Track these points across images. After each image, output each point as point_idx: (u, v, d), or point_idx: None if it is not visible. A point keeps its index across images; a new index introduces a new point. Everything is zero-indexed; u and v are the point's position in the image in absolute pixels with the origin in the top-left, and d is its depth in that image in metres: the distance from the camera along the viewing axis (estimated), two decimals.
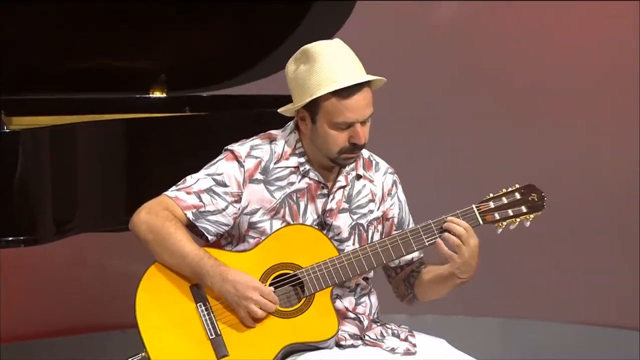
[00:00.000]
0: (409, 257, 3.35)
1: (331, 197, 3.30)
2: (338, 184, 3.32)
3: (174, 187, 3.29)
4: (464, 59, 5.44)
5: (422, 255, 3.40)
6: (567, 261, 5.46)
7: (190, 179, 3.29)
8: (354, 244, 3.32)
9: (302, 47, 3.25)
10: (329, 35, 4.37)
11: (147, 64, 4.54)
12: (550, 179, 5.23)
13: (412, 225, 3.39)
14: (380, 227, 3.38)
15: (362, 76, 3.20)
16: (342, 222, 3.31)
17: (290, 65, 3.27)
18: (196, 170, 3.32)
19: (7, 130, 3.66)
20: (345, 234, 3.31)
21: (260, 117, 4.20)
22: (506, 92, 5.44)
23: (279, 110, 3.31)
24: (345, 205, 3.32)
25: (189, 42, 4.53)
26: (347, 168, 3.33)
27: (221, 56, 4.58)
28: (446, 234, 3.23)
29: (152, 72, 4.54)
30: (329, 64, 3.19)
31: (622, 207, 5.35)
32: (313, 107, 3.22)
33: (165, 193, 3.28)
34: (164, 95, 4.58)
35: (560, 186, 5.26)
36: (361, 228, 3.34)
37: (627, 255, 5.34)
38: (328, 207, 3.30)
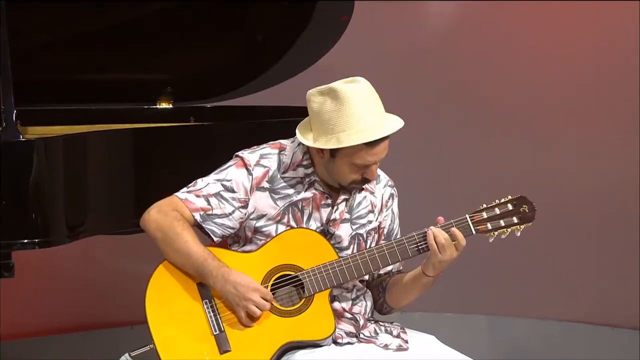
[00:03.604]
0: (389, 267, 3.43)
1: (335, 207, 3.39)
2: (342, 196, 3.40)
3: (184, 189, 3.38)
4: (456, 66, 5.43)
5: (401, 267, 3.48)
6: (555, 259, 5.47)
7: (200, 182, 3.38)
8: (352, 252, 3.39)
9: (330, 85, 3.26)
10: (326, 48, 4.53)
11: (154, 76, 4.62)
12: (541, 180, 5.29)
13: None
14: (377, 236, 3.47)
15: (389, 127, 3.25)
16: (344, 231, 3.40)
17: (315, 97, 3.29)
18: (200, 176, 3.40)
19: (22, 140, 3.66)
20: (345, 243, 3.40)
21: (261, 126, 4.28)
22: (502, 100, 5.44)
23: (298, 138, 3.33)
24: (347, 216, 3.41)
25: (193, 56, 4.61)
26: None
27: (224, 69, 4.65)
28: (436, 231, 3.29)
29: (159, 84, 4.61)
30: (357, 112, 3.22)
31: (617, 206, 5.35)
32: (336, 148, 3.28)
33: (176, 194, 3.36)
34: (170, 106, 4.65)
35: (552, 185, 5.34)
36: (360, 238, 3.42)
37: (624, 254, 5.34)
38: (332, 217, 3.38)
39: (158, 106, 4.65)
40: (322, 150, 3.31)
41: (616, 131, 5.35)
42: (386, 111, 3.35)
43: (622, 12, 5.19)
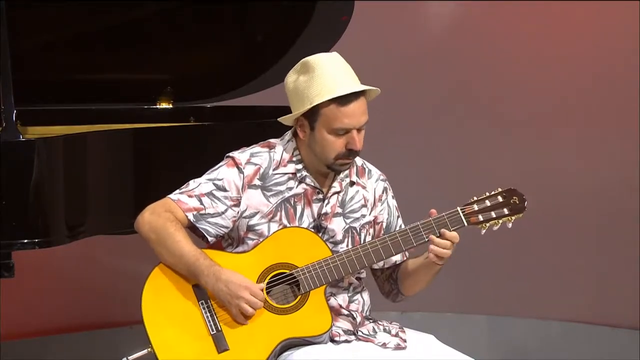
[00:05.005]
0: (393, 259, 3.44)
1: (326, 201, 3.40)
2: (333, 190, 3.41)
3: (177, 191, 3.40)
4: (456, 66, 5.43)
5: (405, 259, 3.49)
6: (554, 259, 5.47)
7: (192, 183, 3.40)
8: (347, 246, 3.41)
9: (302, 60, 3.35)
10: (326, 48, 4.55)
11: (154, 76, 4.63)
12: (542, 180, 5.31)
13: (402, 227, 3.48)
14: (371, 230, 3.48)
15: (359, 85, 3.31)
16: (337, 225, 3.41)
17: (290, 77, 3.37)
18: (200, 176, 3.42)
19: (22, 140, 3.68)
20: (339, 237, 3.41)
21: (261, 126, 4.28)
22: (499, 101, 5.45)
23: (279, 119, 3.40)
24: (339, 210, 3.42)
25: (193, 56, 4.62)
26: (342, 175, 3.43)
27: (224, 69, 4.66)
28: (436, 245, 3.30)
29: (159, 84, 4.62)
30: (328, 74, 3.29)
31: (617, 206, 5.36)
32: (312, 114, 3.32)
33: (168, 196, 3.39)
34: (170, 106, 4.65)
35: (552, 185, 5.34)
36: (354, 231, 3.43)
37: (624, 254, 5.35)
38: (323, 211, 3.40)
39: (158, 106, 4.65)
40: (303, 130, 3.35)
41: (616, 131, 5.36)
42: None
43: (622, 12, 5.21)
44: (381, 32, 5.38)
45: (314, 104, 3.29)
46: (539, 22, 5.36)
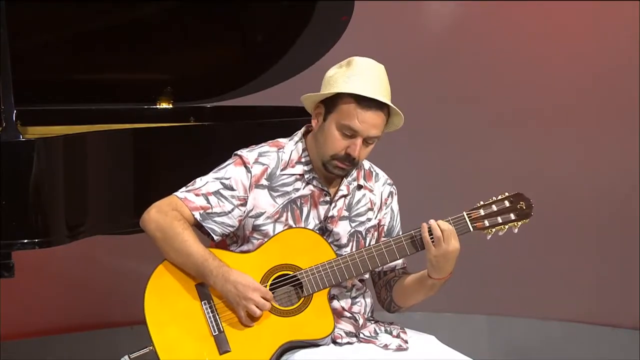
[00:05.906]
0: (393, 263, 3.43)
1: (333, 204, 3.40)
2: (340, 193, 3.41)
3: (183, 188, 3.39)
4: (456, 66, 5.45)
5: (405, 264, 3.49)
6: (555, 260, 5.48)
7: (199, 181, 3.39)
8: (352, 249, 3.41)
9: (351, 57, 3.37)
10: (326, 48, 4.53)
11: (154, 76, 4.63)
12: (542, 180, 5.32)
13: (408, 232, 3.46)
14: (376, 234, 3.48)
15: (385, 99, 3.31)
16: (342, 229, 3.41)
17: (332, 69, 3.37)
18: (200, 176, 3.41)
19: (22, 139, 3.67)
20: (344, 240, 3.41)
21: (261, 126, 4.29)
22: (499, 101, 5.46)
23: (301, 98, 3.39)
24: (346, 213, 3.42)
25: (193, 56, 4.62)
26: (349, 178, 3.42)
27: (224, 69, 4.66)
28: (432, 224, 3.29)
29: (159, 84, 4.62)
30: (364, 75, 3.30)
31: (617, 206, 5.37)
32: (331, 104, 3.32)
33: (175, 193, 3.38)
34: (170, 106, 4.65)
35: (552, 186, 5.35)
36: (359, 235, 3.43)
37: (624, 254, 5.37)
38: (330, 214, 3.40)
39: (158, 106, 4.66)
40: (317, 118, 3.35)
41: (616, 131, 5.36)
42: None
43: (622, 12, 5.22)
44: (381, 32, 5.39)
45: (337, 91, 3.29)
46: (539, 22, 5.37)
